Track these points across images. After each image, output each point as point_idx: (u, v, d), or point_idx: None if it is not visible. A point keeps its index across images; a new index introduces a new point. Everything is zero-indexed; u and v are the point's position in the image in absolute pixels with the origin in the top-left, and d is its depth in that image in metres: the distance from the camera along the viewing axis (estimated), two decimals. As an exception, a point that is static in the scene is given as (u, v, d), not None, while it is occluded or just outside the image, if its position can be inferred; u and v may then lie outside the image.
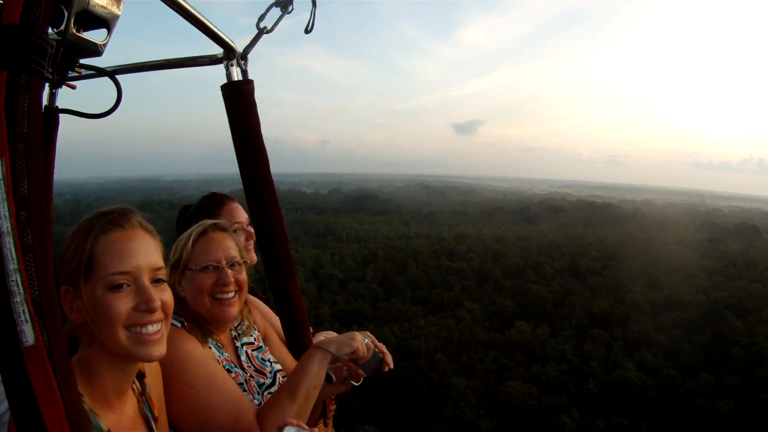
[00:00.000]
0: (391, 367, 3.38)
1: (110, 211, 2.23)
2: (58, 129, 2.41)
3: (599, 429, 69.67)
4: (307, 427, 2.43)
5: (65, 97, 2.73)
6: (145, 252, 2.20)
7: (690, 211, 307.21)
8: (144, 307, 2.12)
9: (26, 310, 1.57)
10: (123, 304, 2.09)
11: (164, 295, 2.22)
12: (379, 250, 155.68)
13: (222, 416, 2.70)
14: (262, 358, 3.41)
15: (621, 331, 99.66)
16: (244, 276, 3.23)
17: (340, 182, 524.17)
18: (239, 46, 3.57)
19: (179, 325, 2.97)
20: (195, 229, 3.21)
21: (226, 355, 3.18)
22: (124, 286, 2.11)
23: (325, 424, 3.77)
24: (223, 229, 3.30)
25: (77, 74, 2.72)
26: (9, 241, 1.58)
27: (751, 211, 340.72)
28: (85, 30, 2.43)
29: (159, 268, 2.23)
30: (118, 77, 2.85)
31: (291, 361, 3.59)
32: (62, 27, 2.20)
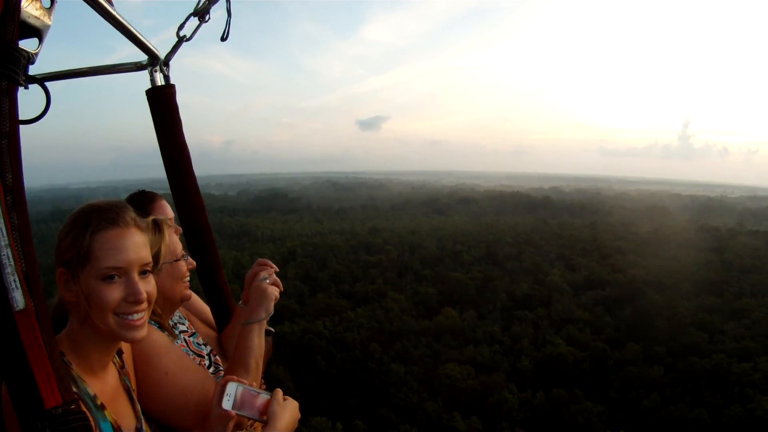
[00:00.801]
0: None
1: (107, 207, 2.44)
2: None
3: (539, 401, 71.81)
4: (246, 381, 2.69)
5: None
6: (136, 248, 2.43)
7: (598, 195, 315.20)
8: (132, 299, 2.35)
9: (16, 279, 1.77)
10: (114, 294, 2.32)
11: (149, 286, 2.45)
12: (297, 248, 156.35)
13: (196, 395, 2.92)
14: (197, 343, 3.72)
15: (545, 311, 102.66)
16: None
17: (248, 183, 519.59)
18: (161, 54, 3.87)
19: None
20: (165, 224, 3.33)
21: (177, 342, 3.47)
22: (116, 277, 2.34)
23: None
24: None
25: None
26: (0, 222, 1.79)
27: (659, 193, 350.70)
28: (20, 39, 2.44)
29: (146, 263, 2.47)
30: (48, 84, 3.00)
31: (215, 339, 4.05)
32: (30, 53, 2.27)
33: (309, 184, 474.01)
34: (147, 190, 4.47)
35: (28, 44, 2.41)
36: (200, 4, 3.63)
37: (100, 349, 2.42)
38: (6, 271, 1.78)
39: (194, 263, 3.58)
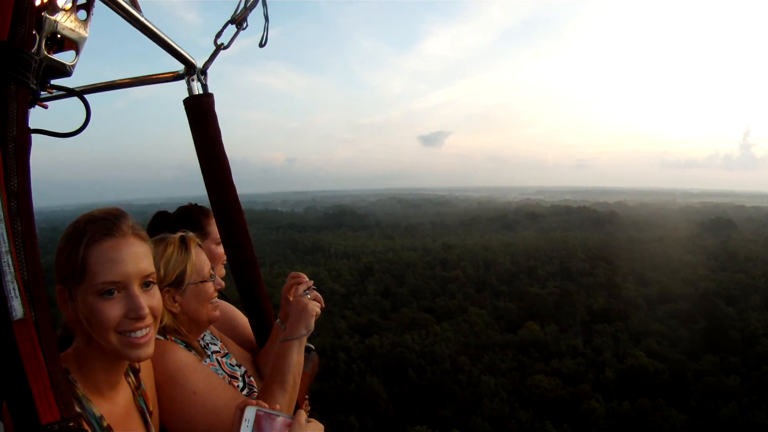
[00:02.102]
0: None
1: (103, 217, 2.32)
2: (30, 149, 2.28)
3: (625, 410, 75.26)
4: (267, 405, 2.34)
5: (37, 119, 2.57)
6: (136, 260, 2.29)
7: (663, 209, 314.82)
8: (133, 314, 2.22)
9: (16, 287, 1.73)
10: (114, 310, 2.19)
11: (153, 300, 2.33)
12: (374, 264, 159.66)
13: (227, 415, 2.61)
14: (230, 364, 3.58)
15: (624, 325, 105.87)
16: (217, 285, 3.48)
17: (313, 200, 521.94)
18: (199, 63, 3.88)
19: (162, 337, 3.05)
20: (193, 243, 3.37)
21: (207, 361, 3.36)
22: (115, 292, 2.21)
23: None
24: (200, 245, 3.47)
25: (48, 94, 2.93)
26: (1, 227, 1.76)
27: (723, 205, 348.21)
28: (56, 52, 2.67)
29: (149, 274, 2.34)
30: (87, 97, 2.96)
31: (250, 360, 3.94)
32: (34, 48, 2.35)
33: (374, 200, 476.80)
34: (199, 204, 4.63)
35: (65, 57, 2.72)
36: (237, 12, 3.74)
37: (106, 368, 2.35)
38: (5, 279, 1.74)
39: (222, 284, 3.66)
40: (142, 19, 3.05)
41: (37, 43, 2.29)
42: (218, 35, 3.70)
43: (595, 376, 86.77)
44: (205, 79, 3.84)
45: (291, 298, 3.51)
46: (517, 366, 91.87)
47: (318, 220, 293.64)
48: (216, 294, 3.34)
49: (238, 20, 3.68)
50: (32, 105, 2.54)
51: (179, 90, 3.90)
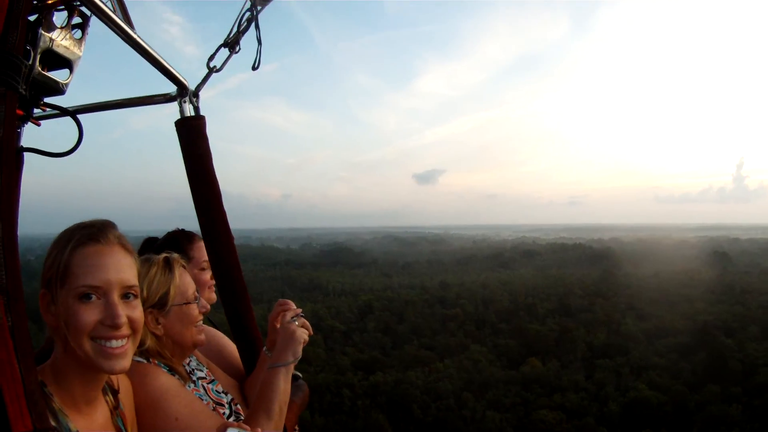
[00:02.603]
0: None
1: (90, 224, 2.35)
2: (23, 168, 2.59)
3: None
4: (248, 427, 2.32)
5: (30, 138, 2.80)
6: (118, 268, 2.29)
7: (658, 245, 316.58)
8: (109, 321, 2.19)
9: None
10: (90, 315, 2.17)
11: (133, 312, 2.30)
12: (374, 302, 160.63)
13: None
14: (217, 390, 3.51)
15: (625, 359, 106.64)
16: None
17: (309, 237, 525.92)
18: (191, 85, 3.89)
19: (144, 360, 3.03)
20: (177, 264, 3.34)
21: (191, 386, 3.29)
22: (93, 297, 2.20)
23: None
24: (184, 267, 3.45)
25: (42, 112, 3.00)
26: None
27: (718, 238, 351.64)
28: (50, 70, 2.81)
29: (131, 286, 2.32)
30: (80, 117, 3.07)
31: (237, 387, 3.86)
32: (29, 64, 2.45)
33: (370, 238, 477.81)
34: (186, 229, 4.68)
35: (59, 75, 2.85)
36: (230, 35, 3.79)
37: (83, 382, 2.31)
38: None
39: (207, 307, 3.47)
40: (136, 38, 3.19)
41: (31, 58, 2.51)
42: (211, 58, 3.83)
43: (598, 410, 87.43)
44: (197, 101, 3.92)
45: (278, 326, 3.57)
46: (521, 402, 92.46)
47: (315, 257, 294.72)
48: (201, 317, 3.36)
49: (231, 43, 3.82)
50: (25, 122, 2.81)
51: (174, 118, 4.00)
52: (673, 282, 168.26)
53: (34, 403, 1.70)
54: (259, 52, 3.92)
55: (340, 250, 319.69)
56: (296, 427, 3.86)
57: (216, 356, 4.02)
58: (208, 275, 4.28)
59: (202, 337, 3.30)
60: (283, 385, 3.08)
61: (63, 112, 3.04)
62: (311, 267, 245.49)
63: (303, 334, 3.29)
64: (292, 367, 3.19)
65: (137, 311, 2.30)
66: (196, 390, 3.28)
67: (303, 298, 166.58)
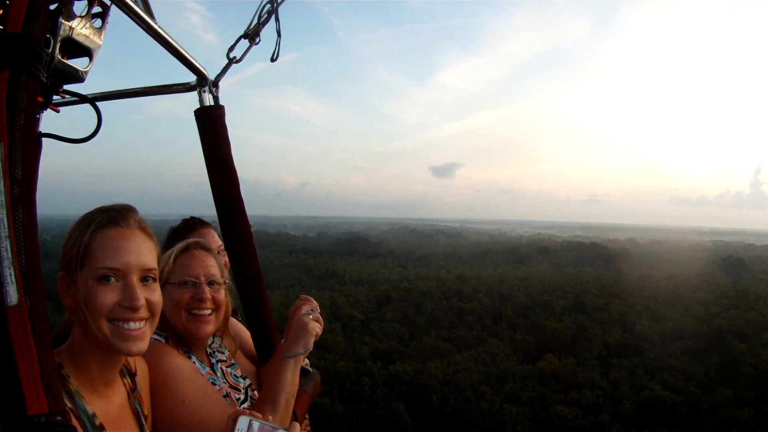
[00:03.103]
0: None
1: (111, 208, 2.39)
2: (41, 153, 2.56)
3: None
4: (260, 415, 2.31)
5: (49, 123, 2.76)
6: (138, 251, 2.32)
7: (674, 247, 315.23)
8: (128, 303, 2.22)
9: (12, 274, 1.74)
10: (108, 297, 2.21)
11: (152, 295, 2.35)
12: (391, 292, 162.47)
13: (213, 428, 2.75)
14: (234, 375, 3.53)
15: (639, 359, 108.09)
16: (221, 295, 3.38)
17: (325, 225, 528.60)
18: (211, 74, 3.89)
19: (162, 340, 3.09)
20: (178, 245, 3.41)
21: (207, 369, 3.32)
22: (112, 279, 2.23)
23: None
24: (205, 248, 3.49)
25: (61, 99, 3.03)
26: (2, 213, 1.79)
27: (733, 244, 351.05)
28: (69, 58, 2.80)
29: (150, 269, 2.37)
30: (99, 104, 3.07)
31: (255, 374, 3.78)
32: (49, 49, 2.46)
33: (386, 229, 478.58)
34: (195, 217, 4.89)
35: (78, 63, 2.84)
36: (250, 27, 3.79)
37: (101, 364, 2.34)
38: (3, 264, 1.75)
39: (207, 297, 3.28)
40: (156, 27, 3.22)
41: (51, 46, 2.59)
42: (231, 49, 3.83)
43: (613, 408, 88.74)
44: (217, 91, 3.93)
45: None
46: (537, 396, 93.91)
47: (331, 246, 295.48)
48: (201, 305, 3.25)
49: (251, 35, 3.83)
50: (44, 108, 2.90)
51: (193, 106, 4.01)
52: (687, 285, 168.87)
53: (50, 386, 1.74)
54: (278, 44, 4.02)
55: (357, 239, 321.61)
56: (306, 416, 3.96)
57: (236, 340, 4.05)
58: None
59: (203, 329, 3.25)
60: (290, 377, 3.16)
61: (82, 99, 3.21)
62: (328, 255, 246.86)
63: (315, 328, 3.34)
64: (301, 358, 3.28)
65: (156, 294, 2.38)
66: (211, 374, 3.32)
67: (320, 286, 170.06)
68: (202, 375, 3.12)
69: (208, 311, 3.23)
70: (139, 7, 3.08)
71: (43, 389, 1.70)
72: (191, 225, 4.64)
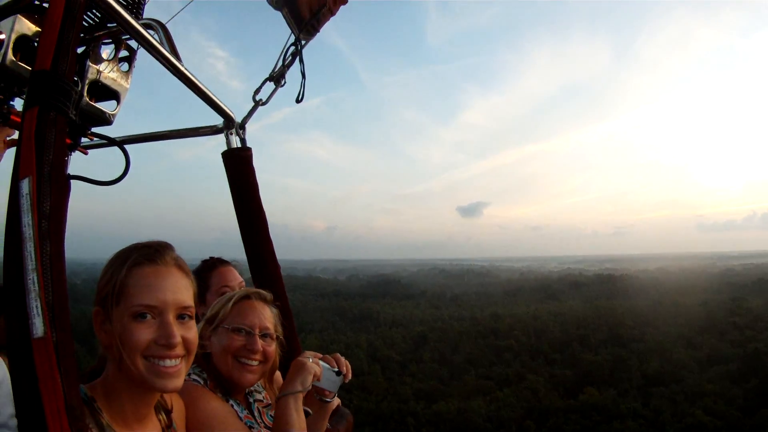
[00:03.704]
0: (349, 376, 3.50)
1: (148, 245, 2.39)
2: (69, 195, 2.55)
3: None
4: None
5: (75, 165, 2.86)
6: (174, 289, 2.31)
7: (704, 273, 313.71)
8: (164, 341, 2.22)
9: (39, 306, 1.76)
10: (144, 334, 2.20)
11: (188, 333, 2.33)
12: (427, 333, 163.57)
13: None
14: (271, 415, 3.45)
15: (679, 387, 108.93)
16: (272, 349, 3.34)
17: (354, 268, 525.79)
18: (238, 117, 3.98)
19: (201, 382, 3.11)
20: (239, 291, 3.41)
21: (245, 412, 3.29)
22: (149, 317, 2.23)
23: None
24: (265, 300, 3.44)
25: (89, 141, 3.14)
26: (30, 246, 1.83)
27: (764, 266, 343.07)
28: (97, 101, 2.92)
29: (186, 306, 2.35)
30: (127, 147, 3.12)
31: None
32: (78, 90, 2.55)
33: (416, 270, 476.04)
34: (215, 257, 4.85)
35: (106, 106, 2.92)
36: (275, 69, 3.86)
37: (134, 399, 2.32)
38: (29, 296, 1.77)
39: (258, 349, 3.25)
40: (184, 70, 3.30)
41: (80, 86, 2.76)
42: (257, 92, 3.92)
43: None
44: (244, 133, 3.98)
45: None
46: (581, 429, 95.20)
47: (362, 288, 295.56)
48: (249, 356, 3.23)
49: (276, 77, 3.92)
50: (73, 150, 3.06)
51: (220, 149, 4.10)
52: (721, 310, 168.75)
53: (74, 419, 1.74)
54: (303, 85, 4.01)
55: (388, 282, 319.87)
56: None
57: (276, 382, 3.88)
58: None
59: (247, 378, 3.25)
60: (295, 415, 3.08)
61: (110, 142, 3.29)
62: (360, 298, 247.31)
63: (314, 367, 3.26)
64: (300, 396, 3.16)
65: (192, 332, 2.38)
66: (249, 417, 3.29)
67: (355, 329, 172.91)
68: (240, 419, 3.15)
69: (256, 362, 3.26)
70: (166, 50, 3.22)
71: (68, 422, 1.72)
72: (211, 264, 4.73)
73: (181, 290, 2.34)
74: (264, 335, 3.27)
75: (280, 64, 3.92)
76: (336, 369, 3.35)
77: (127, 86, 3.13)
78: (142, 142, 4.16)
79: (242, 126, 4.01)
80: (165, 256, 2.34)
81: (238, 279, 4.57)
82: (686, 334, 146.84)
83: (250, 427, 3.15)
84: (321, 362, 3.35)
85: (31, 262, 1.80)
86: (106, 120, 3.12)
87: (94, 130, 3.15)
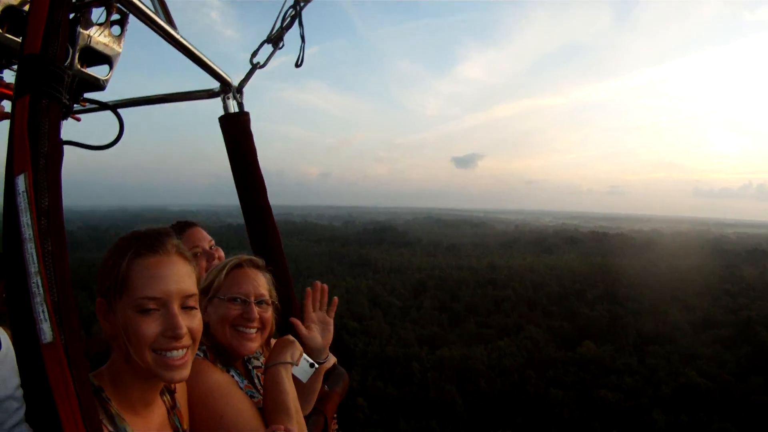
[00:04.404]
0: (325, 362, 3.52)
1: (147, 234, 2.33)
2: (62, 160, 2.27)
3: (684, 423, 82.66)
4: (294, 429, 2.56)
5: (69, 130, 2.54)
6: (178, 278, 2.28)
7: (698, 238, 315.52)
8: (170, 333, 2.19)
9: (45, 310, 1.70)
10: (151, 327, 2.17)
11: (193, 322, 2.31)
12: (427, 281, 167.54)
13: None
14: None
15: (673, 347, 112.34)
16: (269, 315, 3.32)
17: (349, 215, 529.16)
18: (234, 81, 3.86)
19: (201, 354, 3.03)
20: (231, 260, 3.36)
21: (245, 381, 3.28)
22: (153, 310, 2.19)
23: None
24: (258, 266, 3.40)
25: (81, 107, 3.11)
26: (31, 247, 1.75)
27: (758, 236, 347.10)
28: (89, 66, 2.83)
29: (190, 295, 2.33)
30: (121, 111, 2.99)
31: None
32: (67, 62, 2.40)
33: (411, 218, 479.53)
34: (181, 220, 4.68)
35: (99, 71, 2.82)
36: (273, 32, 3.68)
37: (142, 387, 2.33)
38: (35, 301, 1.71)
39: (255, 317, 3.23)
40: (178, 36, 3.22)
41: (70, 56, 2.58)
42: (254, 54, 3.76)
43: (653, 392, 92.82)
44: (241, 97, 3.87)
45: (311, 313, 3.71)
46: (579, 381, 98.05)
47: (358, 235, 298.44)
48: (248, 323, 3.22)
49: (274, 39, 3.75)
50: (65, 117, 2.74)
51: (216, 101, 4.02)
52: (715, 276, 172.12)
53: (89, 419, 1.73)
54: (302, 49, 3.84)
55: (384, 228, 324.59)
56: (334, 416, 3.87)
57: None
58: (201, 262, 4.32)
59: (246, 346, 3.23)
60: (288, 383, 3.06)
61: (103, 106, 3.28)
62: (357, 245, 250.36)
63: (300, 348, 3.28)
64: (290, 368, 3.14)
65: (196, 320, 2.36)
66: (249, 387, 3.28)
67: (354, 274, 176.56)
68: (241, 389, 3.12)
69: (254, 329, 3.25)
70: (159, 17, 3.17)
71: (83, 423, 1.72)
72: (179, 228, 4.50)
73: (184, 278, 2.34)
74: (259, 302, 3.29)
75: (278, 25, 3.79)
76: (311, 361, 3.35)
77: (120, 50, 3.16)
78: (136, 106, 4.13)
79: (239, 90, 3.97)
80: (166, 244, 2.34)
81: (207, 239, 4.56)
82: (680, 297, 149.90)
83: (251, 397, 3.15)
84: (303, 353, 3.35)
85: (33, 265, 1.76)
86: (98, 86, 3.18)
87: (87, 95, 3.23)
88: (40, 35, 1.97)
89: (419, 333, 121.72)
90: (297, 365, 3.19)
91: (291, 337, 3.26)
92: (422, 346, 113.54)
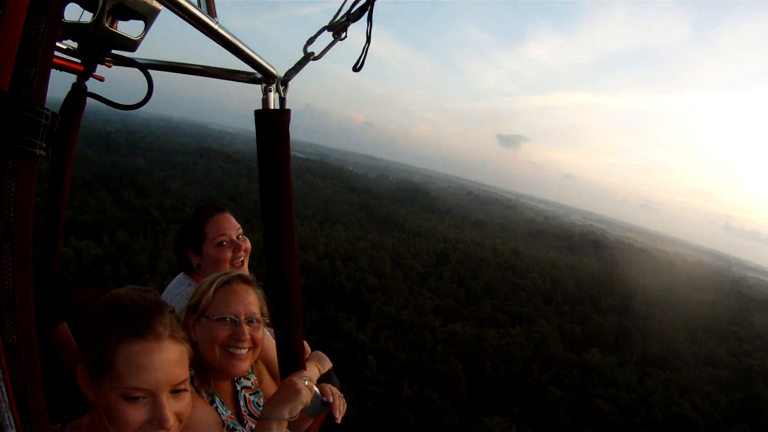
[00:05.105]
0: (337, 416, 3.21)
1: (134, 311, 2.10)
2: (84, 111, 2.36)
3: None
4: None
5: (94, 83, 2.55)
6: (168, 367, 2.10)
7: (718, 275, 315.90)
8: (157, 424, 2.04)
9: (10, 417, 1.40)
10: (136, 416, 2.02)
11: (181, 405, 2.15)
12: (450, 252, 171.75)
13: None
14: (257, 403, 3.30)
15: (674, 375, 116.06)
16: (259, 334, 3.12)
17: (385, 168, 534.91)
18: (281, 71, 3.11)
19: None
20: (219, 276, 3.14)
21: (229, 412, 3.08)
22: (140, 398, 2.02)
23: None
24: (248, 282, 3.19)
25: (107, 66, 2.88)
26: None
27: None
28: (123, 20, 2.59)
29: (180, 381, 2.15)
30: (152, 72, 2.88)
31: None
32: (94, 19, 2.23)
33: (445, 185, 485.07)
34: (210, 203, 4.30)
35: (132, 29, 2.59)
36: (337, 19, 2.88)
37: None
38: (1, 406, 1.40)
39: (246, 337, 3.02)
40: (215, 26, 2.61)
41: (98, 11, 2.38)
42: (309, 42, 2.92)
43: (645, 413, 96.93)
44: (285, 91, 3.15)
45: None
46: (579, 385, 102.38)
47: (390, 191, 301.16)
48: (239, 344, 3.01)
49: (337, 28, 2.91)
50: (86, 78, 2.92)
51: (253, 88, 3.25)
52: (727, 317, 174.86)
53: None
54: (365, 50, 3.06)
55: (417, 190, 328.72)
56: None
57: (261, 357, 3.62)
58: (227, 252, 4.12)
59: (237, 367, 3.04)
60: None
61: (132, 64, 3.10)
62: (387, 200, 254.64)
63: (307, 396, 3.00)
64: (285, 425, 2.90)
65: (184, 402, 2.19)
66: (232, 419, 3.08)
67: (380, 230, 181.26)
68: (223, 423, 2.98)
69: (245, 350, 3.05)
70: (199, 10, 2.49)
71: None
72: (206, 212, 4.25)
73: (176, 365, 2.15)
74: (250, 321, 3.09)
75: (344, 11, 2.87)
76: (325, 399, 3.17)
77: (159, 8, 2.92)
78: (168, 71, 3.77)
79: (285, 82, 3.15)
80: (156, 327, 2.12)
81: (235, 227, 4.27)
82: (689, 328, 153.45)
83: (233, 429, 3.03)
84: (315, 387, 3.18)
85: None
86: (127, 46, 3.03)
87: (116, 52, 3.15)
88: (11, 65, 1.34)
89: (436, 303, 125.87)
90: (295, 419, 3.00)
91: (298, 384, 3.01)
92: (437, 316, 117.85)
